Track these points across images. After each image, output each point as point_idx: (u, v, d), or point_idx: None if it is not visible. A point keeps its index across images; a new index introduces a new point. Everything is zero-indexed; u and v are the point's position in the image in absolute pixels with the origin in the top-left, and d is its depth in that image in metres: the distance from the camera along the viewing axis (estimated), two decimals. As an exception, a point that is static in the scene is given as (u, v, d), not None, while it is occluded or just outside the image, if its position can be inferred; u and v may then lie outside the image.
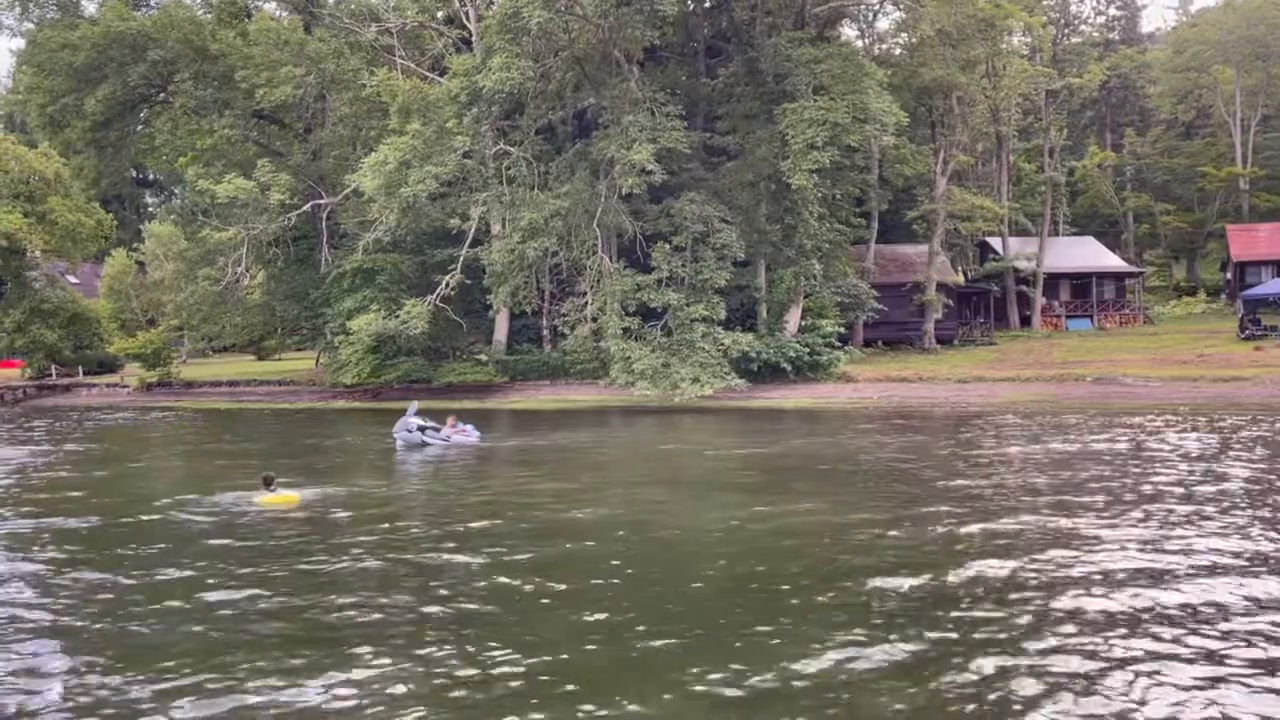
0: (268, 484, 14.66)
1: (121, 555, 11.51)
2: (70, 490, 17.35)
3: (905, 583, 9.31)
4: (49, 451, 25.08)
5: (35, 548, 12.14)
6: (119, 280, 68.12)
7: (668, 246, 35.56)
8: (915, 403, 32.23)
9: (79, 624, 8.74)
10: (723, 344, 34.89)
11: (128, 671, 7.38)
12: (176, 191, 67.91)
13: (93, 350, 57.44)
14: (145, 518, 13.99)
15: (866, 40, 51.04)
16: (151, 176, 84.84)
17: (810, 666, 7.14)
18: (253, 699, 6.77)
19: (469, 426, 23.45)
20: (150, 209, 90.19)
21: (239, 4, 46.65)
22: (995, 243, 55.22)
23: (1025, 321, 52.91)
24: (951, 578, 9.52)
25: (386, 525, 13.07)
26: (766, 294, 38.88)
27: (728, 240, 35.54)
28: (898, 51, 49.99)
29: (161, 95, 46.20)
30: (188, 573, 10.42)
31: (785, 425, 27.77)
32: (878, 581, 9.41)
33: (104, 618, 8.86)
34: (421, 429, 22.73)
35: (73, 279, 65.98)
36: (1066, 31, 64.65)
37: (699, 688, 6.85)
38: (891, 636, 7.76)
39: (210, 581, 10.00)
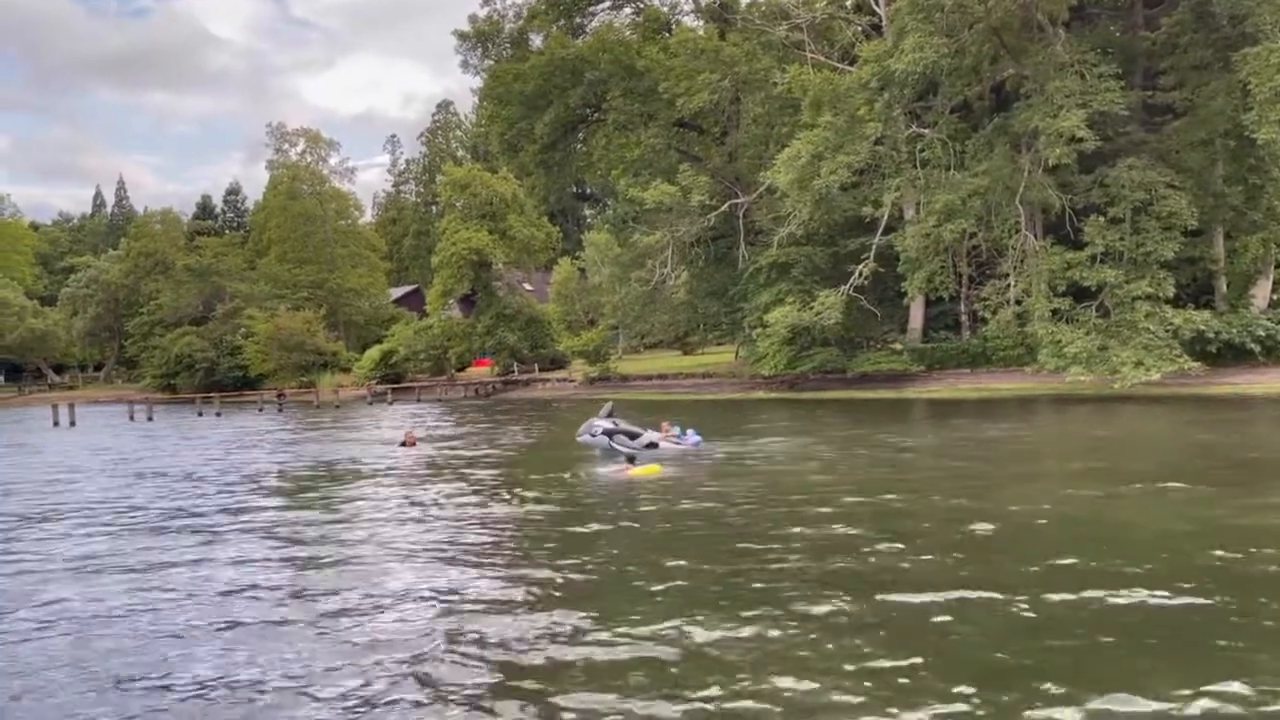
0: (631, 460, 17.37)
1: (574, 511, 13.13)
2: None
3: None
4: (535, 431, 29.82)
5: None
6: (565, 285, 76.21)
7: (1102, 219, 32.54)
8: None
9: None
10: (1171, 323, 31.25)
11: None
12: (609, 202, 74.60)
13: (545, 349, 65.13)
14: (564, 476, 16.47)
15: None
16: (588, 190, 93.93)
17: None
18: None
19: (690, 432, 20.55)
20: (588, 220, 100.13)
21: (661, 19, 50.05)
22: None
23: None
24: None
25: (806, 506, 13.39)
26: (1225, 266, 34.22)
27: (1176, 207, 31.74)
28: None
29: (596, 114, 50.86)
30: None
31: (1253, 413, 24.33)
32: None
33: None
34: (608, 433, 19.53)
35: (528, 286, 75.02)
36: None
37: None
38: None
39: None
